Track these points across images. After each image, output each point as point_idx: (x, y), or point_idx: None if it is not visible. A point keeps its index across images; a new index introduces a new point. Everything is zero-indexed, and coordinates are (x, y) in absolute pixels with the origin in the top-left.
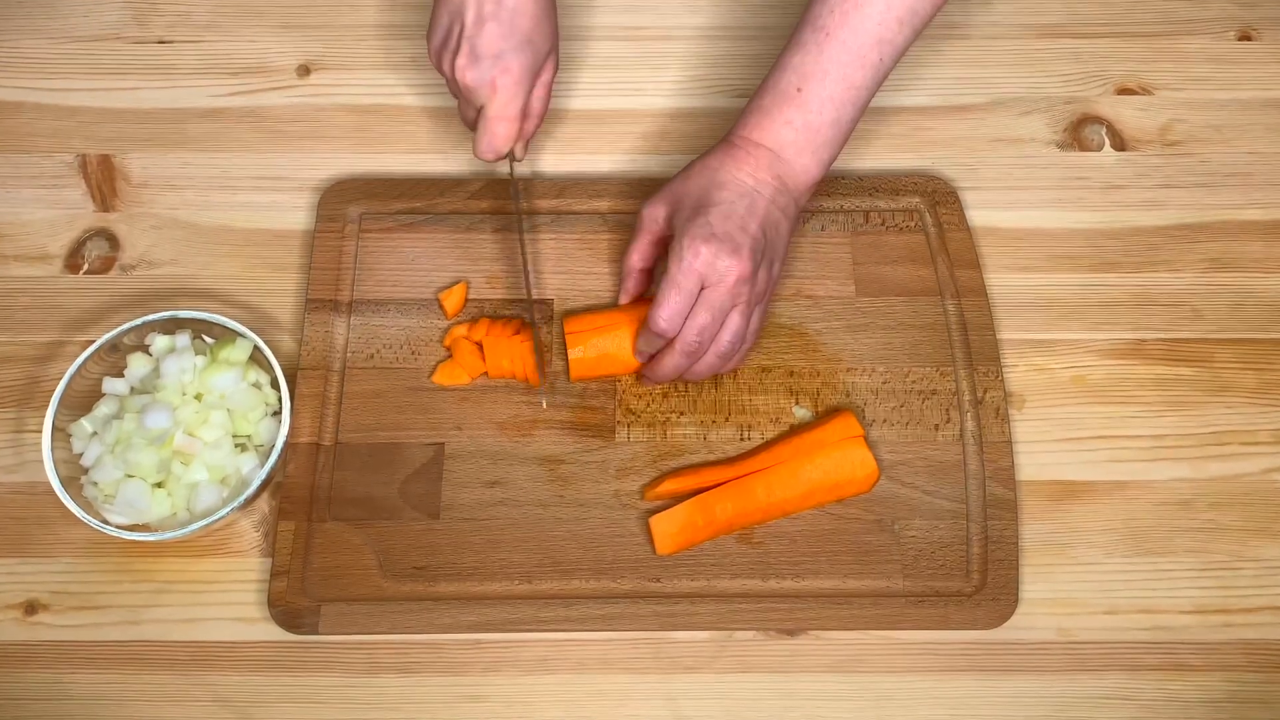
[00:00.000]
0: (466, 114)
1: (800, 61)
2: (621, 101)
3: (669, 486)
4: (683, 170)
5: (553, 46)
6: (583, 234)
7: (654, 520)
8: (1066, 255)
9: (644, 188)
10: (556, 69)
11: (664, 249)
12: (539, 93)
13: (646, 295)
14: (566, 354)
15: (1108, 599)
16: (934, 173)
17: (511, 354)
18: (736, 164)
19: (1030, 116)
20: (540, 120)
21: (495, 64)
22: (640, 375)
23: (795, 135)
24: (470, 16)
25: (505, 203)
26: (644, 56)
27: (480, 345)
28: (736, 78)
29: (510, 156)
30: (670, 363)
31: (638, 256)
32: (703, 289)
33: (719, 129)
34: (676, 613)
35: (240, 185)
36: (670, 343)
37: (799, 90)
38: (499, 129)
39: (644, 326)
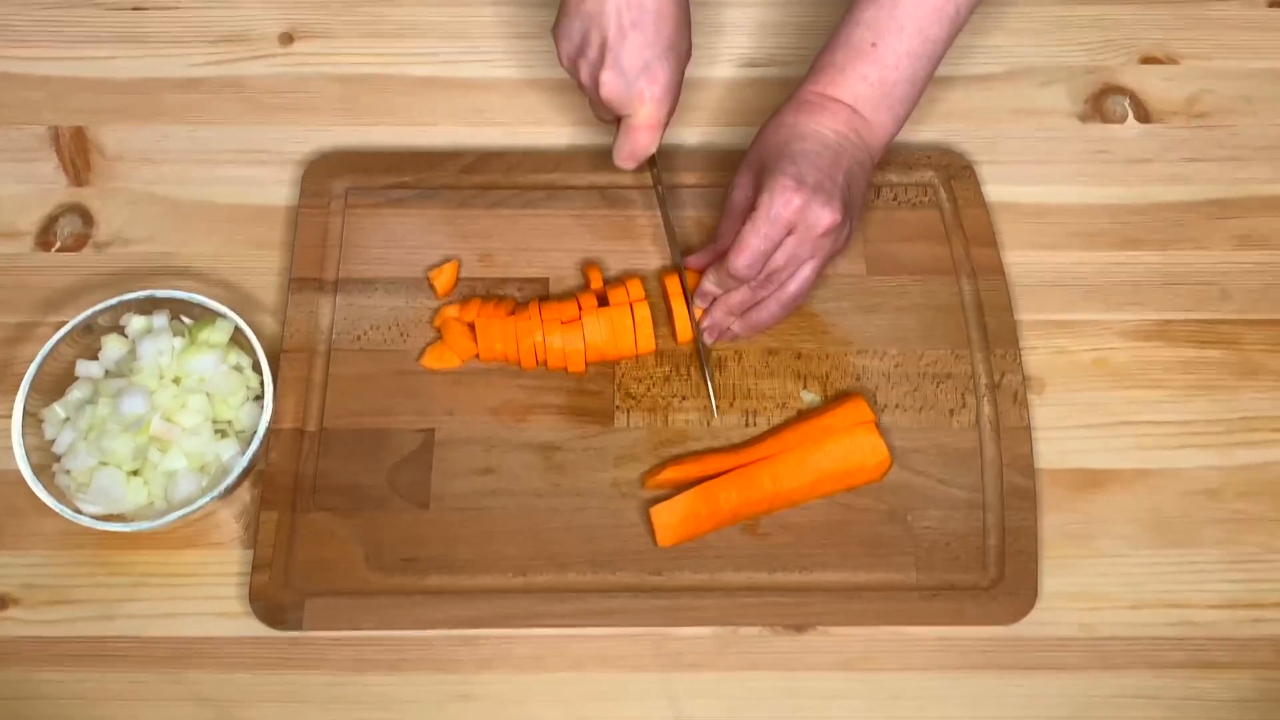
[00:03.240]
0: (602, 115)
1: (874, 16)
2: None
3: (671, 475)
4: (756, 137)
5: (690, 45)
6: (580, 209)
7: (655, 510)
8: (1088, 232)
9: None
10: (689, 60)
11: None
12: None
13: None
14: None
15: (1132, 593)
16: (949, 146)
17: (505, 335)
18: (814, 117)
19: (1050, 87)
20: (672, 116)
21: (642, 76)
22: (732, 330)
23: (871, 91)
24: (611, 27)
25: (497, 177)
26: None
27: (472, 326)
28: (740, 46)
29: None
30: (735, 298)
31: (730, 235)
32: (788, 235)
33: (721, 100)
34: (678, 607)
35: (220, 159)
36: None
37: (874, 45)
38: (643, 138)
39: (717, 266)
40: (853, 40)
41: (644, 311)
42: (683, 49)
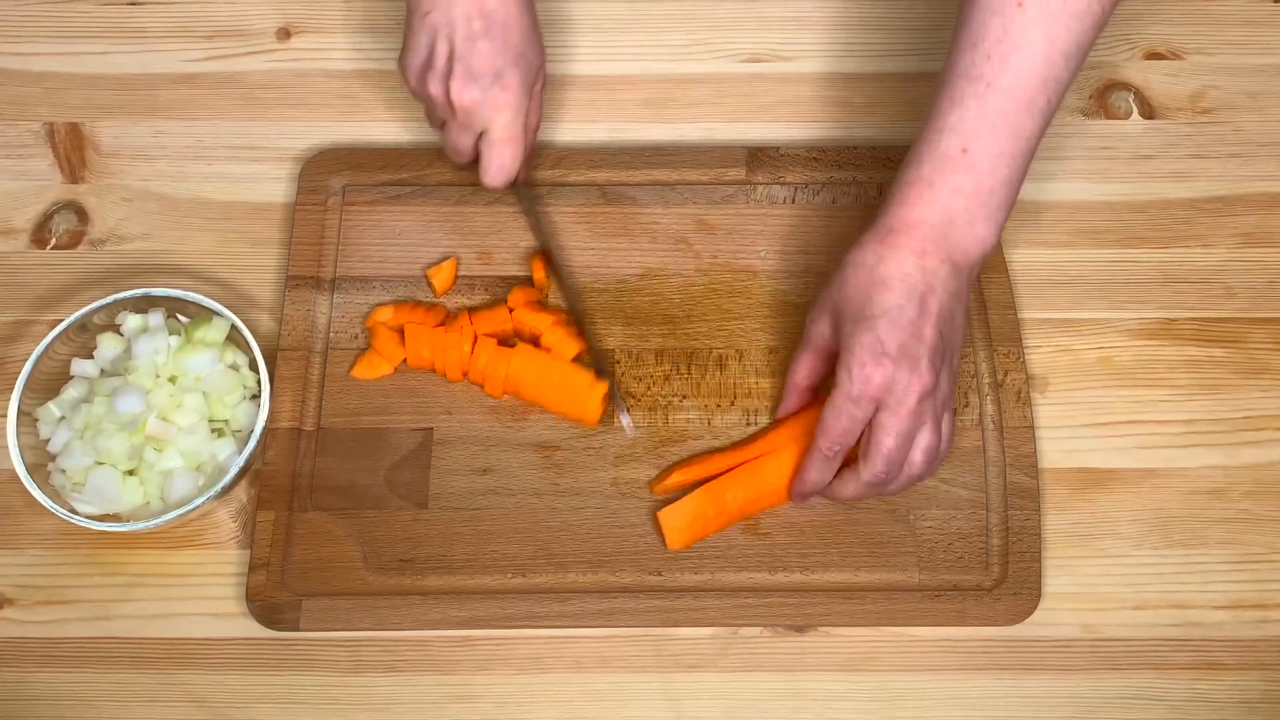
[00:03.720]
0: (460, 142)
1: (959, 119)
2: (620, 67)
3: (677, 479)
4: (836, 271)
5: (542, 60)
6: (579, 207)
7: (663, 514)
8: (1092, 229)
9: (644, 157)
10: (545, 82)
11: (832, 363)
12: (533, 107)
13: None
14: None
15: (1136, 593)
16: None
17: (434, 344)
18: (897, 255)
19: None
20: (535, 136)
21: (494, 83)
22: (820, 497)
23: (966, 203)
24: (460, 35)
25: None
26: (642, 19)
27: (401, 331)
28: (741, 41)
29: (517, 179)
30: (853, 490)
31: (804, 373)
32: (879, 411)
33: (722, 95)
34: (678, 608)
35: (216, 155)
36: (850, 467)
37: (964, 151)
38: (507, 151)
39: (812, 454)
40: (940, 149)
41: (578, 372)
42: (534, 61)
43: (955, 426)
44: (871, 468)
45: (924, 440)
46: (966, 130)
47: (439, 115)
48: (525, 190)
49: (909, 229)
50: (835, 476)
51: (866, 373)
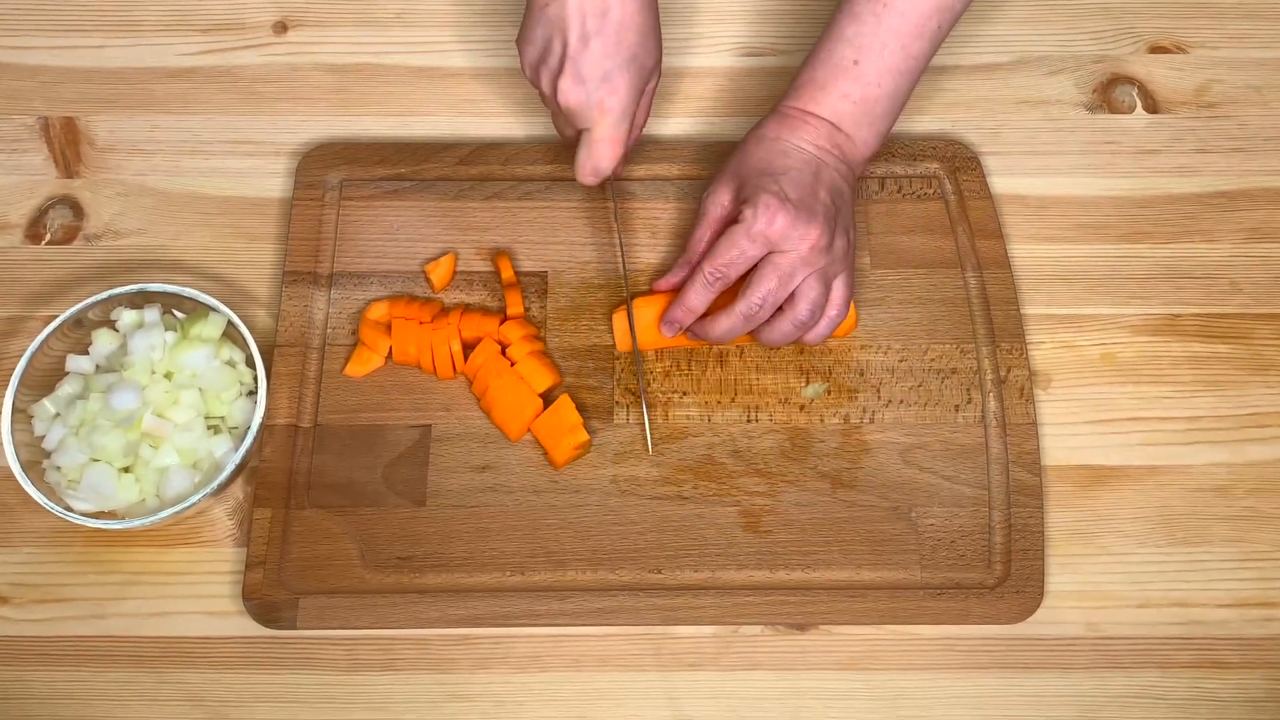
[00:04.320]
0: (564, 130)
1: (856, 33)
2: None
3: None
4: (737, 148)
5: (658, 59)
6: (579, 202)
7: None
8: (1095, 225)
9: (644, 152)
10: (659, 79)
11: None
12: (641, 106)
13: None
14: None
15: (1139, 591)
16: (954, 136)
17: (419, 341)
18: (795, 133)
19: (1057, 76)
20: (640, 134)
21: (602, 86)
22: (690, 331)
23: (852, 108)
24: (574, 34)
25: (494, 168)
26: None
27: (389, 327)
28: (740, 34)
29: (610, 176)
30: (725, 324)
31: (702, 247)
32: (770, 253)
33: (723, 88)
34: (678, 606)
35: (212, 150)
36: (726, 304)
37: (855, 63)
38: (604, 152)
39: (694, 278)
40: (834, 57)
41: (572, 414)
42: (647, 62)
43: (851, 295)
44: (748, 299)
45: (810, 291)
46: (860, 44)
47: (549, 105)
48: (615, 186)
49: (805, 118)
50: (707, 315)
51: (770, 213)
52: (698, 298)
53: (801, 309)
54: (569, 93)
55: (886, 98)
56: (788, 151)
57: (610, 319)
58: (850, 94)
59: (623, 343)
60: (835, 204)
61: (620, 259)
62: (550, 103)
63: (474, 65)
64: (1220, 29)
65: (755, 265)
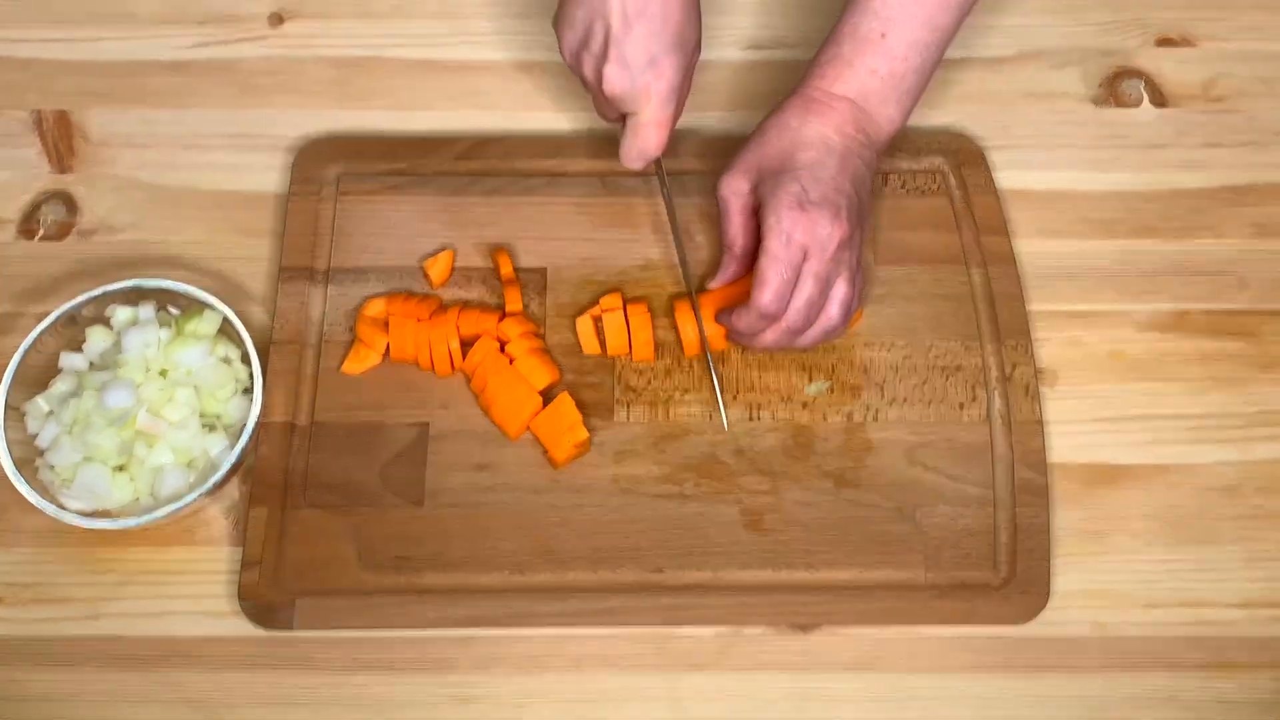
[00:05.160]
0: (607, 114)
1: (881, 5)
2: None
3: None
4: (755, 134)
5: (699, 38)
6: (579, 197)
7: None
8: (1102, 220)
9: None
10: (698, 60)
11: (756, 221)
12: (684, 86)
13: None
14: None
15: (1147, 592)
16: (959, 130)
17: (417, 338)
18: (819, 118)
19: (1064, 70)
20: (680, 114)
21: (648, 70)
22: (730, 338)
23: (880, 84)
24: (616, 17)
25: (493, 163)
26: None
27: (386, 323)
28: (743, 27)
29: (658, 159)
30: (771, 339)
31: (739, 238)
32: (804, 260)
33: (724, 82)
34: (681, 606)
35: (208, 144)
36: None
37: (883, 36)
38: (651, 136)
39: (745, 306)
40: (860, 31)
41: (572, 412)
42: (690, 42)
43: (864, 291)
44: (790, 312)
45: (840, 292)
46: (887, 17)
47: (590, 89)
48: (661, 168)
49: (829, 100)
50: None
51: (794, 216)
52: (748, 326)
53: (834, 314)
54: (615, 79)
55: (913, 73)
56: (808, 141)
57: (674, 316)
58: (878, 69)
59: (687, 334)
60: (859, 194)
61: (675, 241)
62: (593, 88)
63: (474, 58)
64: (1229, 21)
65: None
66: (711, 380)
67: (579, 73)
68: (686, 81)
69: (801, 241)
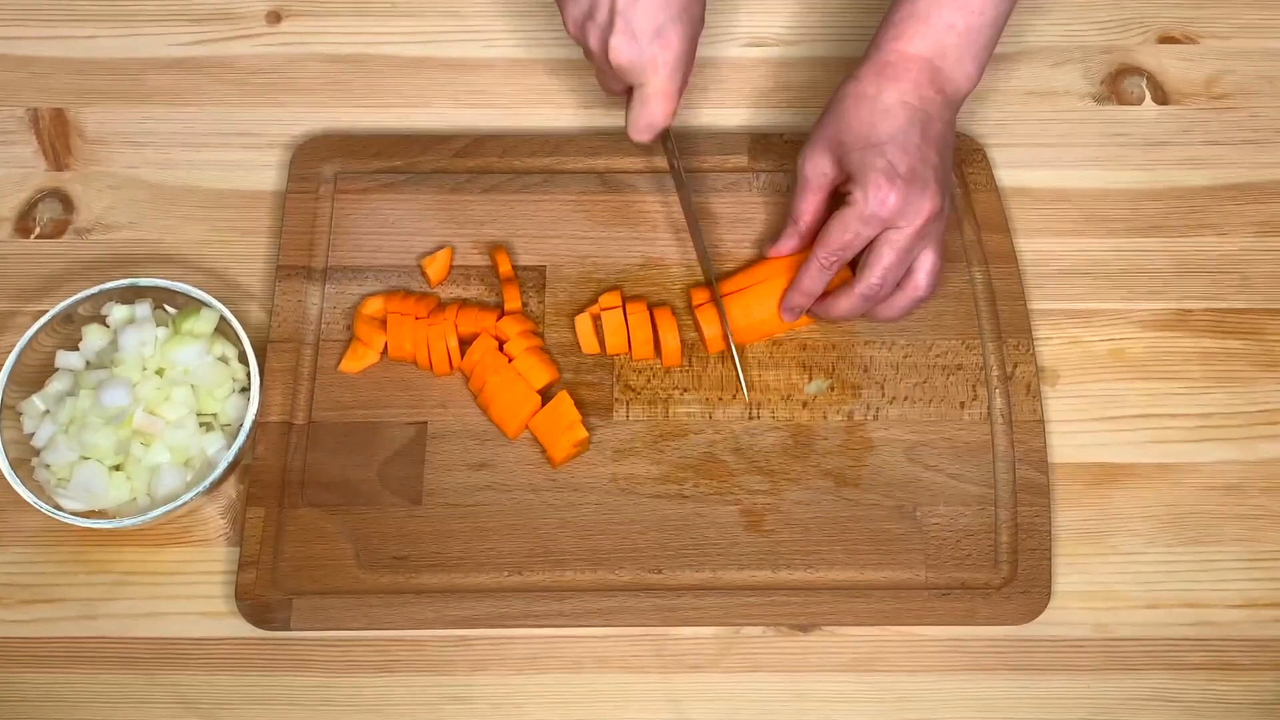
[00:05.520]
0: (612, 86)
1: None
2: None
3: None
4: (831, 105)
5: (704, 9)
6: (578, 195)
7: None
8: (1104, 218)
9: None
10: (704, 26)
11: (833, 203)
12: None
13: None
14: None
15: (1149, 592)
16: (960, 128)
17: (415, 337)
18: (895, 83)
19: (1064, 67)
20: (688, 82)
21: (655, 41)
22: (810, 312)
23: (957, 40)
24: None
25: (492, 161)
26: None
27: (384, 322)
28: (743, 24)
29: (666, 131)
30: (846, 305)
31: (809, 215)
32: (886, 229)
33: (724, 80)
34: (679, 607)
35: (205, 142)
36: (846, 284)
37: None
38: (658, 107)
39: (846, 290)
40: None
41: (570, 411)
42: (696, 12)
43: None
44: (867, 279)
45: (927, 262)
46: None
47: (595, 61)
48: (670, 139)
49: (905, 61)
50: (827, 294)
51: (883, 194)
52: (813, 282)
53: (921, 281)
54: (621, 50)
55: (989, 25)
56: (891, 110)
57: (692, 310)
58: (955, 24)
59: (710, 328)
60: (944, 160)
61: (685, 214)
62: (598, 59)
63: (471, 56)
64: (1231, 19)
65: (871, 242)
66: (731, 354)
67: (583, 44)
68: (692, 51)
69: (886, 217)
